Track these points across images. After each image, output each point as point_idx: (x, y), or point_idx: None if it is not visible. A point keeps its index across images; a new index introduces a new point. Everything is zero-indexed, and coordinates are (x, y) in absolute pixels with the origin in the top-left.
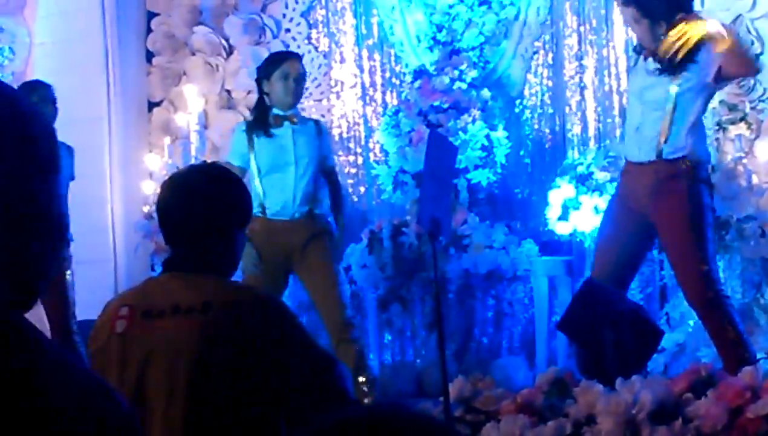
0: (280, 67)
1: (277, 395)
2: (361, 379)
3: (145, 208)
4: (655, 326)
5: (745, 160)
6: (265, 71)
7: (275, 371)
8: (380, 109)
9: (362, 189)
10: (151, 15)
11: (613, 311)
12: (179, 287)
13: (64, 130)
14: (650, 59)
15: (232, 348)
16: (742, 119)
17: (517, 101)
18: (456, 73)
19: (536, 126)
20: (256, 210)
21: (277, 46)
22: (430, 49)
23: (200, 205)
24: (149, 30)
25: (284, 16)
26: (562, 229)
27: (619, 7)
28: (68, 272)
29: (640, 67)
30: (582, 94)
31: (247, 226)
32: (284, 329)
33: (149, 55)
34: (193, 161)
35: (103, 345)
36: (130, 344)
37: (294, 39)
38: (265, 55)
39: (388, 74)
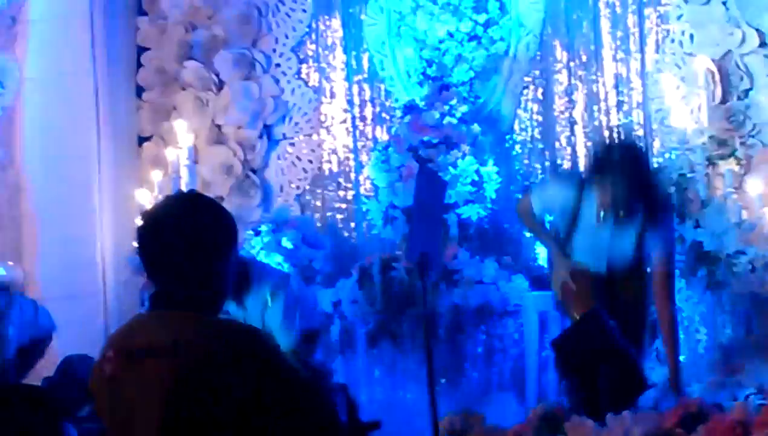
0: None
1: (261, 428)
2: None
3: (135, 244)
4: (642, 377)
5: (735, 196)
6: None
7: (256, 405)
8: (370, 144)
9: (352, 224)
10: (141, 49)
11: (609, 347)
12: (155, 327)
13: (53, 164)
14: None
15: (204, 387)
16: (731, 154)
17: (507, 136)
18: (446, 108)
19: (526, 161)
20: None
21: (267, 81)
22: (420, 84)
23: (174, 237)
24: (139, 65)
25: (274, 51)
26: None
27: None
28: None
29: None
30: (572, 130)
31: (230, 256)
32: (262, 360)
33: (139, 90)
34: None
35: (95, 388)
36: (116, 387)
37: (284, 74)
38: (255, 89)
39: (378, 109)
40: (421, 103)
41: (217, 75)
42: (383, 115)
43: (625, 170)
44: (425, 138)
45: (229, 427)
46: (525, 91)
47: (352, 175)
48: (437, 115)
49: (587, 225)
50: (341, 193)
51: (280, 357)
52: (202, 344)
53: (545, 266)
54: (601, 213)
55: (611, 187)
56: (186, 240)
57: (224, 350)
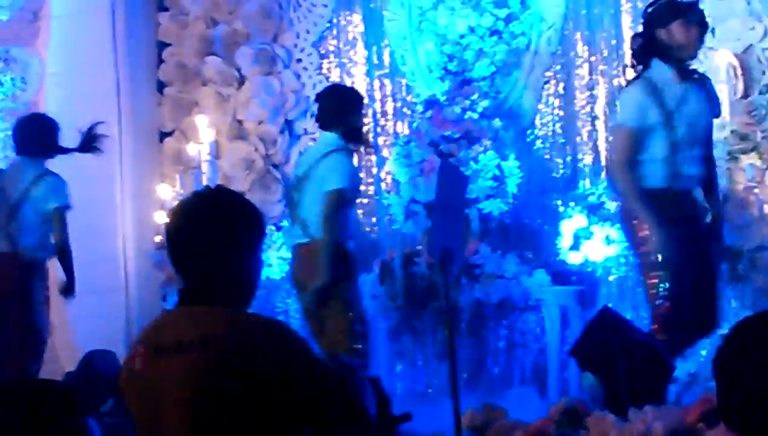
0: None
1: (290, 421)
2: None
3: (157, 239)
4: (667, 359)
5: (756, 190)
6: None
7: (284, 398)
8: (391, 139)
9: (374, 219)
10: (162, 45)
11: (626, 341)
12: (184, 322)
13: (75, 160)
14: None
15: (233, 382)
16: (753, 149)
17: (528, 131)
18: (467, 103)
19: (547, 156)
20: None
21: (288, 77)
22: (441, 79)
23: (203, 232)
24: (161, 60)
25: (295, 46)
26: (573, 258)
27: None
28: None
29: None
30: (593, 124)
31: (257, 250)
32: (289, 354)
33: (160, 86)
34: None
35: (126, 383)
36: (145, 382)
37: (305, 69)
38: (276, 85)
39: (399, 104)
40: (442, 98)
41: (238, 70)
42: (404, 110)
43: None
44: (446, 133)
45: (258, 421)
46: (546, 86)
47: (374, 170)
48: (458, 110)
49: None
50: (362, 188)
51: (308, 350)
52: (230, 339)
53: (566, 260)
54: None
55: None
56: (213, 235)
57: (252, 345)
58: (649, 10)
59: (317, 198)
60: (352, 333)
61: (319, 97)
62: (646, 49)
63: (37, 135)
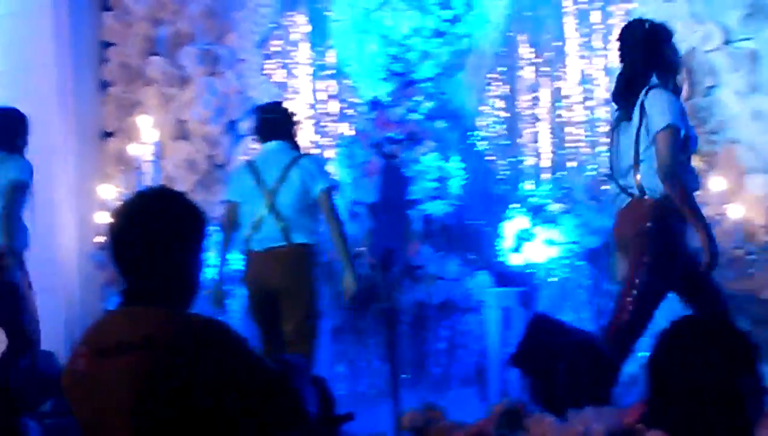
0: None
1: (230, 420)
2: None
3: (98, 239)
4: (610, 359)
5: (698, 193)
6: None
7: (225, 398)
8: (335, 141)
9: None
10: (106, 45)
11: (566, 342)
12: (125, 323)
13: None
14: None
15: (173, 382)
16: (695, 151)
17: (472, 133)
18: (411, 104)
19: (490, 158)
20: None
21: (232, 77)
22: (385, 80)
23: (144, 232)
24: (104, 60)
25: (239, 46)
26: (515, 260)
27: None
28: None
29: None
30: (536, 126)
31: (200, 251)
32: (229, 353)
33: (104, 85)
34: None
35: (68, 384)
36: (88, 383)
37: (249, 69)
38: (220, 85)
39: (343, 105)
40: (386, 100)
41: (182, 70)
42: (348, 111)
43: None
44: (390, 134)
45: (199, 420)
46: (489, 88)
47: None
48: (402, 112)
49: None
50: None
51: (248, 350)
52: (171, 339)
53: (508, 261)
54: None
55: None
56: (155, 236)
57: (193, 344)
58: (647, 26)
59: (301, 201)
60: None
61: (265, 111)
62: (649, 62)
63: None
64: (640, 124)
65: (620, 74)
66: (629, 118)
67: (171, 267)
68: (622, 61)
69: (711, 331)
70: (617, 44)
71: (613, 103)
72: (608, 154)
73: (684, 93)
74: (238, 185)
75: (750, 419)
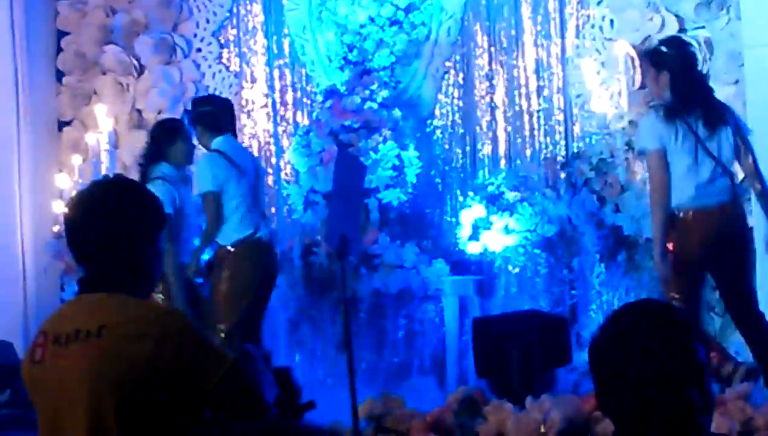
0: None
1: (186, 407)
2: None
3: (55, 228)
4: (558, 318)
5: None
6: None
7: (180, 385)
8: (291, 129)
9: (273, 209)
10: (61, 34)
11: (514, 330)
12: (82, 311)
13: None
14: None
15: (129, 369)
16: None
17: (428, 121)
18: (367, 93)
19: (447, 146)
20: None
21: (187, 66)
22: (341, 69)
23: (102, 221)
24: (59, 49)
25: (195, 35)
26: (472, 248)
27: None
28: None
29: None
30: (492, 114)
31: (157, 240)
32: (185, 341)
33: (59, 75)
34: None
35: (27, 374)
36: (46, 372)
37: (205, 59)
38: (176, 74)
39: (299, 94)
40: (342, 88)
41: (138, 60)
42: (304, 100)
43: None
44: (346, 123)
45: (154, 407)
46: (446, 76)
47: (273, 160)
48: (358, 100)
49: None
50: None
51: (204, 338)
52: (126, 327)
53: (465, 249)
54: None
55: None
56: (114, 224)
57: (150, 332)
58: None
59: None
60: None
61: (207, 103)
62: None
63: None
64: None
65: None
66: None
67: (128, 256)
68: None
69: (650, 316)
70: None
71: None
72: None
73: (638, 81)
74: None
75: (694, 404)
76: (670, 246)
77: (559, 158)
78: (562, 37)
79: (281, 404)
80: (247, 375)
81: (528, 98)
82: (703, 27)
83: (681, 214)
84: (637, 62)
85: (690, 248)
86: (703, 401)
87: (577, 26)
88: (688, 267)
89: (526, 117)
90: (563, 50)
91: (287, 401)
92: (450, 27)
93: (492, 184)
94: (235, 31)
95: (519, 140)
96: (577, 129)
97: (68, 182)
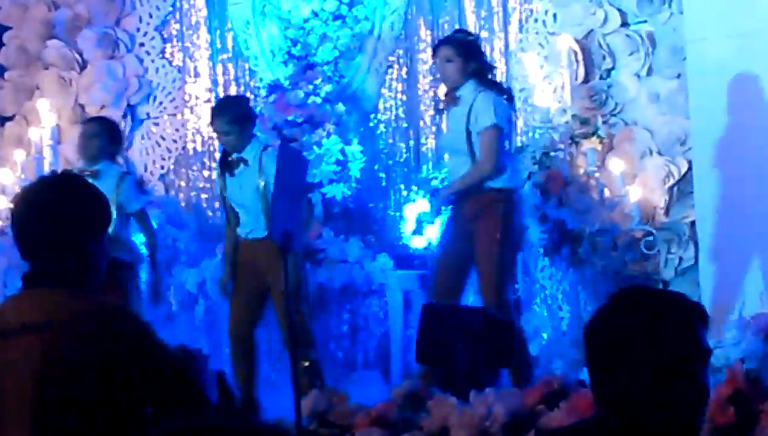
0: None
1: (130, 404)
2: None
3: (2, 223)
4: (504, 320)
5: (597, 174)
6: None
7: (125, 382)
8: None
9: (216, 204)
10: (3, 28)
11: (461, 323)
12: (28, 305)
13: None
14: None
15: (74, 364)
16: (594, 133)
17: (372, 115)
18: (310, 87)
19: (391, 140)
20: None
21: (131, 61)
22: (285, 63)
23: (49, 218)
24: (1, 44)
25: (138, 30)
26: (416, 243)
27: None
28: None
29: None
30: (436, 109)
31: (103, 235)
32: (131, 338)
33: (1, 70)
34: None
35: None
36: None
37: (148, 53)
38: (119, 69)
39: (242, 88)
40: (286, 83)
41: (81, 54)
42: (247, 94)
43: None
44: (290, 117)
45: (99, 402)
46: (389, 71)
47: (217, 155)
48: (301, 95)
49: None
50: (205, 172)
51: (150, 335)
52: (72, 322)
53: (409, 244)
54: None
55: None
56: (60, 220)
57: (94, 327)
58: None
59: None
60: None
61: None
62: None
63: None
64: None
65: None
66: None
67: (73, 251)
68: None
69: (655, 299)
70: None
71: None
72: None
73: (581, 76)
74: None
75: (705, 388)
76: None
77: None
78: (506, 31)
79: (219, 405)
80: (191, 375)
81: None
82: (646, 21)
83: None
84: (580, 56)
85: None
86: (708, 387)
87: (521, 20)
88: None
89: None
90: (506, 44)
91: (225, 405)
92: (393, 21)
93: (436, 178)
94: (178, 26)
95: None
96: (520, 123)
97: (11, 178)
